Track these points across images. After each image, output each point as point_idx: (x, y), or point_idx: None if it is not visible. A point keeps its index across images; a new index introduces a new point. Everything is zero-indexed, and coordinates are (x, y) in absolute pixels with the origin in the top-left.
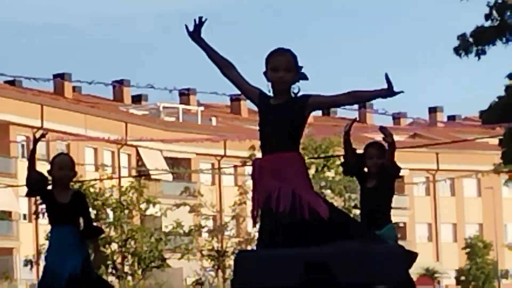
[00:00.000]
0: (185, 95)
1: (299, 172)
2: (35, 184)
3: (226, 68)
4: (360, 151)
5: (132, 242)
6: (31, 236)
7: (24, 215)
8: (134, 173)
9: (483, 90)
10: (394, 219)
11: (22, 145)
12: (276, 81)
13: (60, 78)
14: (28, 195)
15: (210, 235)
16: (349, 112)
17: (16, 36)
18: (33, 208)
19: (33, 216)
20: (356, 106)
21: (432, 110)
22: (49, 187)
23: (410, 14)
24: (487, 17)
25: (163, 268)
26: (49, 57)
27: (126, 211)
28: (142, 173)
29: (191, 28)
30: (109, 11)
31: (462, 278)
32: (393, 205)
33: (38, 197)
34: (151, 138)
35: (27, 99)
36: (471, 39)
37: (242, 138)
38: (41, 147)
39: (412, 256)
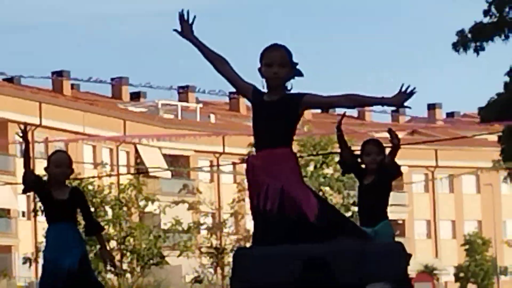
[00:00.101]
0: (183, 92)
1: (291, 169)
2: (31, 183)
3: (219, 64)
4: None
5: (131, 240)
6: (29, 234)
7: (23, 213)
8: (132, 170)
9: (482, 87)
10: (393, 216)
11: (21, 143)
12: (270, 76)
13: (58, 75)
14: (25, 191)
15: (209, 233)
16: (349, 109)
17: (16, 35)
18: (32, 205)
19: (32, 214)
20: None
21: (431, 107)
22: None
23: (410, 14)
24: (486, 13)
25: (162, 265)
26: (47, 54)
27: (125, 209)
28: (141, 171)
29: (179, 28)
30: (109, 11)
31: (461, 274)
32: (391, 202)
33: (36, 194)
34: (147, 134)
35: (25, 97)
36: (469, 35)
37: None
38: (39, 145)
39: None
